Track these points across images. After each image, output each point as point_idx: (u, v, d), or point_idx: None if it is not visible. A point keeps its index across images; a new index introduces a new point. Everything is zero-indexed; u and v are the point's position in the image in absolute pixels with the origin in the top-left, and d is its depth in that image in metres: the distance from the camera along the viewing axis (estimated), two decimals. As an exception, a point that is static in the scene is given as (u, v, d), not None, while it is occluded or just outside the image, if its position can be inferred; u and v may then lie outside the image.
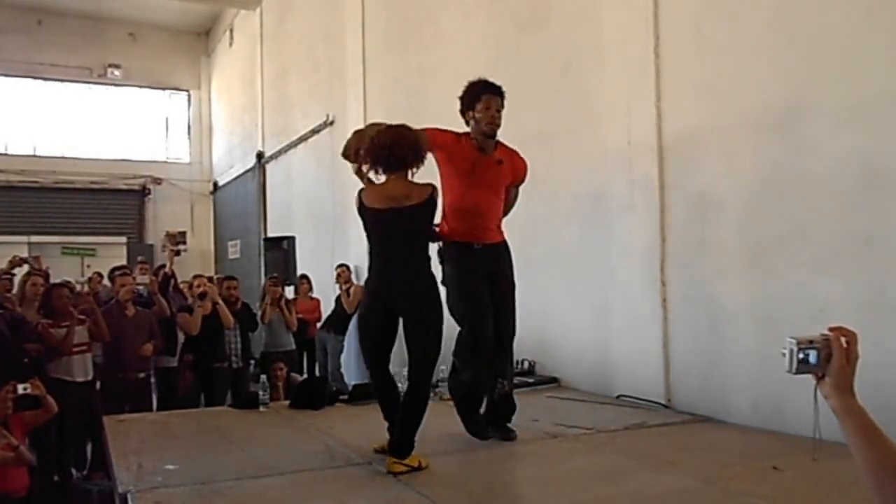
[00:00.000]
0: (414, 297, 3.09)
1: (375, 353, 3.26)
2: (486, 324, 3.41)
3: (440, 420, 3.75)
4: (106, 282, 7.13)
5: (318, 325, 7.86)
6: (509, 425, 3.56)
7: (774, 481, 2.71)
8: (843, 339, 1.23)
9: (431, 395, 4.39)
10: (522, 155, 3.70)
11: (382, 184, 3.23)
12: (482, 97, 3.49)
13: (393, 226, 3.13)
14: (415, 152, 3.14)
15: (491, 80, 3.56)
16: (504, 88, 3.54)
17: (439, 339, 3.13)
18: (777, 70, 3.56)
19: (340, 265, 7.91)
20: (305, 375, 6.94)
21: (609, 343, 4.59)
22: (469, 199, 3.48)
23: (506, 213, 3.69)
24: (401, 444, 3.01)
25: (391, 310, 3.15)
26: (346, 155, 3.48)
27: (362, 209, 3.19)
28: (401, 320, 3.16)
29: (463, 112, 3.56)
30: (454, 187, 3.49)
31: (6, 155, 13.44)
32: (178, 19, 14.23)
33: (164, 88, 14.87)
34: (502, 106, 3.53)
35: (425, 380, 3.13)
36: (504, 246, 3.62)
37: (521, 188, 3.78)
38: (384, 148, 3.13)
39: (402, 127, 3.23)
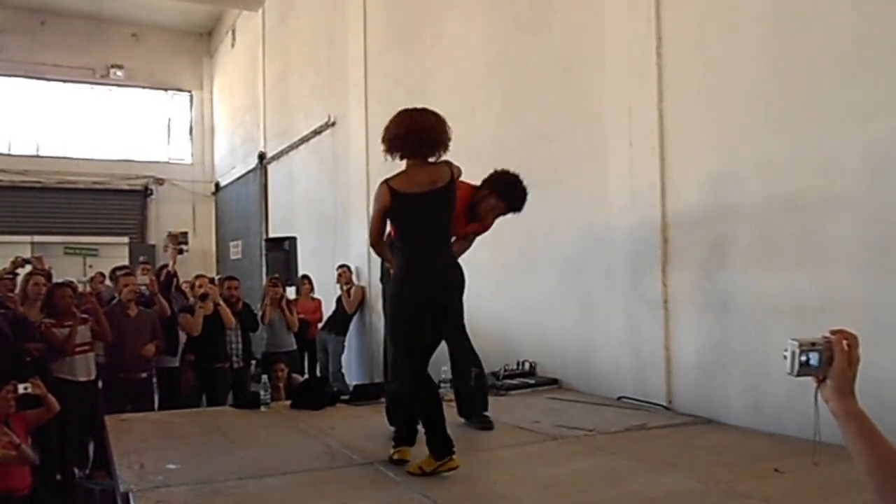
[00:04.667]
0: (461, 288, 3.16)
1: (429, 350, 3.14)
2: None
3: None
4: (108, 282, 7.16)
5: (320, 325, 7.87)
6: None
7: (776, 483, 2.71)
8: (844, 342, 1.23)
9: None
10: None
11: (407, 171, 3.11)
12: (504, 203, 3.65)
13: (425, 211, 3.04)
14: (447, 136, 3.09)
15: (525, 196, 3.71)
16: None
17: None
18: (778, 70, 3.56)
19: (341, 266, 7.93)
20: (306, 376, 6.95)
21: (610, 344, 4.59)
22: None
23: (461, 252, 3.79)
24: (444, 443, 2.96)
25: (434, 298, 3.07)
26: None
27: (396, 196, 3.02)
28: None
29: (484, 185, 3.70)
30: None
31: (9, 155, 13.47)
32: (180, 20, 14.25)
33: (166, 89, 14.89)
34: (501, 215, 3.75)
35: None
36: None
37: None
38: (430, 128, 3.06)
39: (433, 113, 3.16)
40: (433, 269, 3.07)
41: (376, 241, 3.22)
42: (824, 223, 3.36)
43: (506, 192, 3.67)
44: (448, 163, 3.13)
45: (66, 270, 9.00)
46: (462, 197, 3.43)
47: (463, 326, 3.76)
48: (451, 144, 3.24)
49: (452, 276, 3.14)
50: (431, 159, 3.08)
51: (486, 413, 3.80)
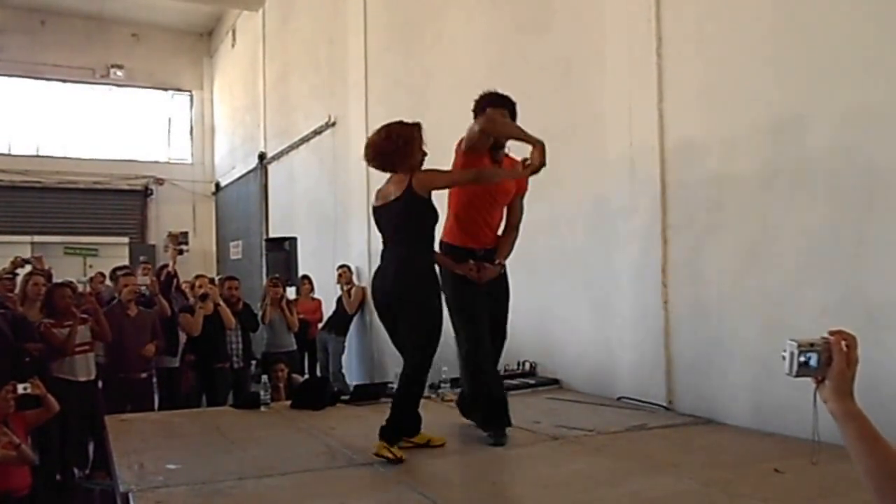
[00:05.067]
0: (399, 289, 3.21)
1: (395, 343, 3.40)
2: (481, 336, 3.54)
3: (441, 421, 3.75)
4: (108, 282, 7.16)
5: (320, 325, 7.88)
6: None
7: (775, 484, 2.71)
8: (843, 343, 1.23)
9: (434, 395, 4.43)
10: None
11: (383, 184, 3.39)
12: (487, 110, 3.53)
13: (382, 222, 3.34)
14: (397, 149, 3.21)
15: (499, 90, 3.60)
16: (512, 98, 3.58)
17: (430, 331, 3.18)
18: (778, 71, 3.56)
19: (342, 266, 7.93)
20: (307, 376, 6.95)
21: (610, 345, 4.59)
22: (474, 206, 3.56)
23: (517, 226, 3.71)
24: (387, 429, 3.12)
25: (387, 303, 3.30)
26: None
27: (372, 208, 3.45)
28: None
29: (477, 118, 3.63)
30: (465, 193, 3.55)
31: (9, 155, 13.47)
32: (180, 20, 14.26)
33: (166, 89, 14.89)
34: (511, 116, 3.55)
35: (408, 372, 3.18)
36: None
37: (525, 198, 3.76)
38: (371, 147, 3.28)
39: (391, 125, 3.29)
40: (381, 271, 3.34)
41: None
42: (825, 226, 3.36)
43: (486, 104, 3.55)
44: (414, 173, 3.21)
45: (66, 270, 8.99)
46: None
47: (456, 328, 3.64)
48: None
49: (397, 280, 3.23)
50: (402, 170, 3.24)
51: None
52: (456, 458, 3.26)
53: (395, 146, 3.20)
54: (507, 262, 3.69)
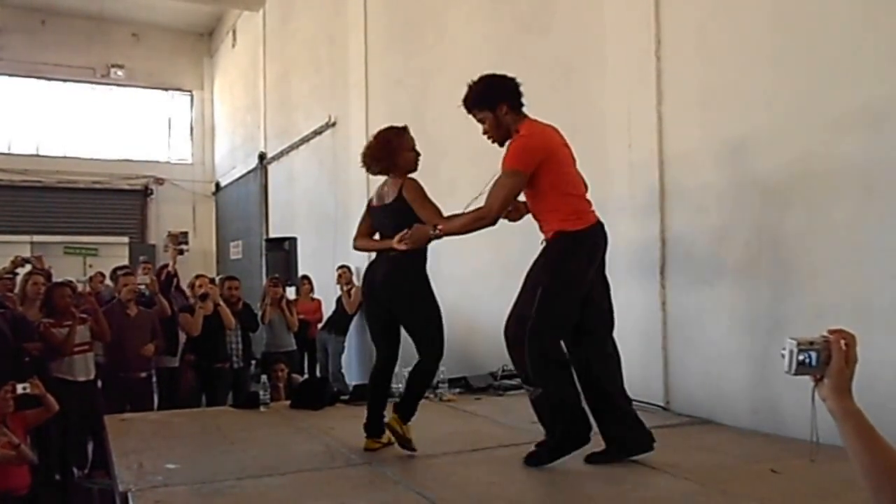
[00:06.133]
0: (390, 291, 3.27)
1: (379, 345, 3.42)
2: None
3: (440, 420, 3.76)
4: (108, 281, 7.16)
5: (319, 325, 7.88)
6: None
7: (773, 484, 2.71)
8: (842, 342, 1.23)
9: (432, 395, 4.43)
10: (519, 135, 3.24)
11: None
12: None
13: (376, 222, 3.40)
14: (385, 155, 3.30)
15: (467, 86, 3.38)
16: (471, 97, 3.35)
17: (437, 322, 3.27)
18: (777, 74, 3.57)
19: (342, 266, 7.93)
20: (306, 376, 6.95)
21: (609, 345, 4.59)
22: None
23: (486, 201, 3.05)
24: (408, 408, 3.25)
25: (376, 298, 3.34)
26: None
27: (368, 206, 3.47)
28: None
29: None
30: None
31: (9, 154, 13.48)
32: (181, 20, 14.27)
33: (166, 89, 14.91)
34: (479, 118, 3.33)
35: (432, 365, 3.32)
36: (549, 243, 3.22)
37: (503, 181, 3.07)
38: (364, 153, 3.38)
39: (380, 131, 3.41)
40: (373, 266, 3.39)
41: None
42: (823, 228, 3.36)
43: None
44: (405, 180, 3.28)
45: (66, 270, 9.00)
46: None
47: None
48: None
49: (385, 281, 3.29)
50: (394, 173, 3.33)
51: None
52: (454, 457, 3.27)
53: (380, 151, 3.32)
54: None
